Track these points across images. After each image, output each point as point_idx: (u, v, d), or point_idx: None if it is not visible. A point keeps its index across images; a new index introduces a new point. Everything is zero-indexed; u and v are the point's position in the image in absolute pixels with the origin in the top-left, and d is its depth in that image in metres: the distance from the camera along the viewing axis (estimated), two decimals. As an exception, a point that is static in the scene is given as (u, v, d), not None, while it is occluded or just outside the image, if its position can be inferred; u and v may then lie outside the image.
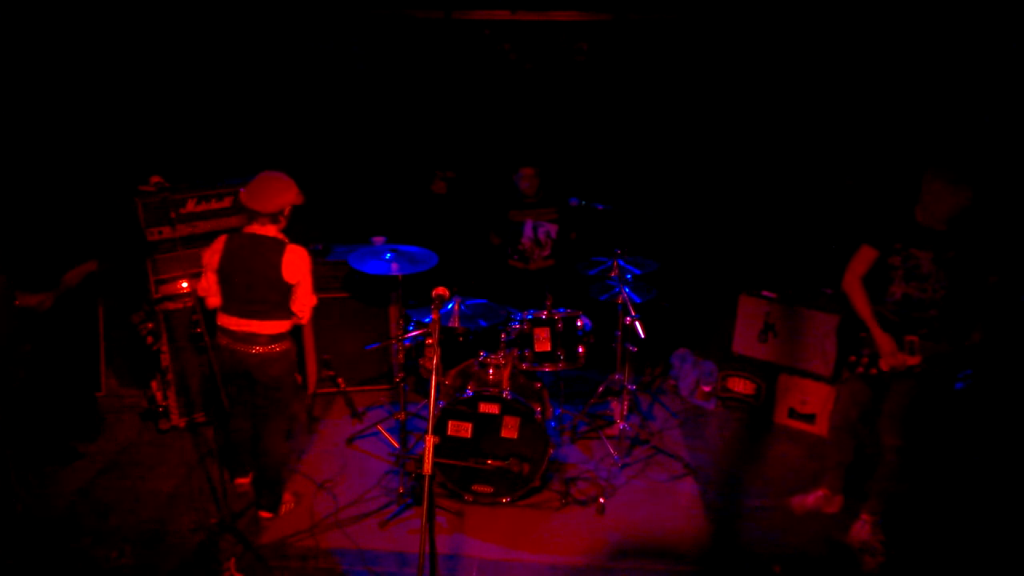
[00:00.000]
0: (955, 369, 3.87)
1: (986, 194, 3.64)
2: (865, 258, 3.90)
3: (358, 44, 5.82)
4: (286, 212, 3.82)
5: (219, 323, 3.93)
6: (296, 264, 3.80)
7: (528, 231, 5.47)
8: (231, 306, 3.88)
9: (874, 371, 3.89)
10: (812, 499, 4.39)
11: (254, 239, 3.79)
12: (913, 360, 3.77)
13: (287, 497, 4.28)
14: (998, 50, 4.67)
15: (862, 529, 4.08)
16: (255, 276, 3.78)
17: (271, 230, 3.81)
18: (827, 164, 5.34)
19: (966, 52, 4.80)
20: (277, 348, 3.90)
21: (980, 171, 3.62)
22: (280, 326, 3.90)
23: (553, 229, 5.45)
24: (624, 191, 5.64)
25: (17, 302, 4.11)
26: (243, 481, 4.42)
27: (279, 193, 3.77)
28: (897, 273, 3.81)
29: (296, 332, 4.17)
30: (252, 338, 3.86)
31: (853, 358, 3.95)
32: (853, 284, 3.92)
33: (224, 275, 3.83)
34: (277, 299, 3.83)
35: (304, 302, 3.90)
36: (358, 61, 5.86)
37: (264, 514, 4.18)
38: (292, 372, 4.10)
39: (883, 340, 3.82)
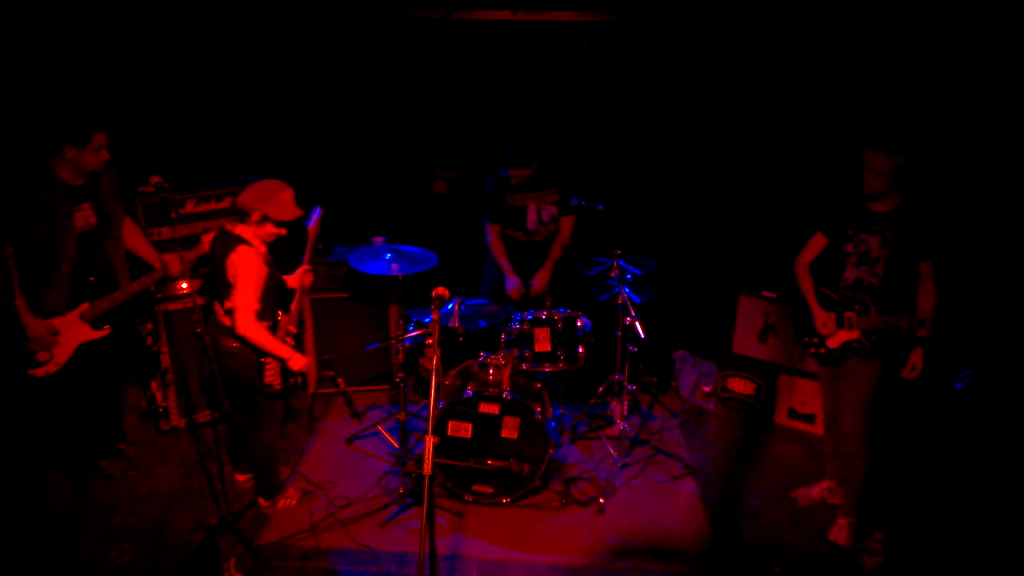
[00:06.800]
0: (907, 351, 3.90)
1: (929, 172, 3.76)
2: (815, 244, 4.06)
3: (358, 44, 5.81)
4: (254, 218, 3.79)
5: None
6: (236, 264, 3.76)
7: (532, 214, 5.35)
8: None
9: (823, 350, 4.03)
10: (817, 491, 4.40)
11: (223, 232, 3.89)
12: (851, 335, 3.88)
13: (291, 492, 4.31)
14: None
15: (839, 533, 4.05)
16: (216, 266, 3.88)
17: (239, 227, 3.84)
18: (828, 164, 5.33)
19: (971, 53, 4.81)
20: (232, 343, 3.88)
21: (910, 139, 3.68)
22: (228, 320, 3.89)
23: (554, 210, 5.33)
24: (624, 191, 5.63)
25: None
26: (243, 478, 4.46)
27: (251, 193, 3.81)
28: (850, 259, 3.90)
29: (297, 337, 4.20)
30: (222, 326, 3.90)
31: (807, 339, 4.10)
32: (800, 267, 4.10)
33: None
34: (222, 293, 3.88)
35: (235, 300, 3.77)
36: (358, 61, 5.86)
37: (261, 500, 4.23)
38: (250, 372, 3.98)
39: (817, 312, 4.00)
